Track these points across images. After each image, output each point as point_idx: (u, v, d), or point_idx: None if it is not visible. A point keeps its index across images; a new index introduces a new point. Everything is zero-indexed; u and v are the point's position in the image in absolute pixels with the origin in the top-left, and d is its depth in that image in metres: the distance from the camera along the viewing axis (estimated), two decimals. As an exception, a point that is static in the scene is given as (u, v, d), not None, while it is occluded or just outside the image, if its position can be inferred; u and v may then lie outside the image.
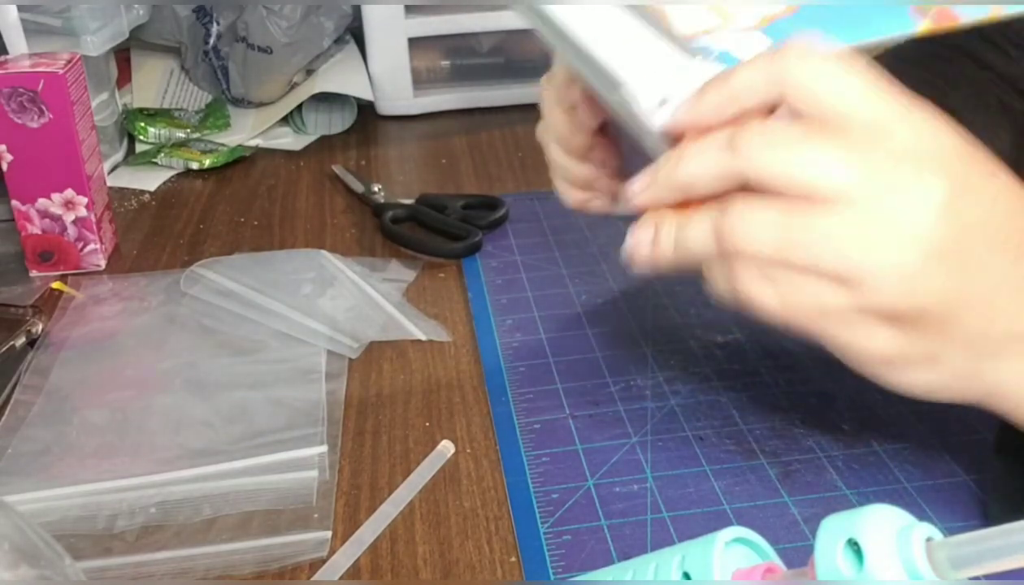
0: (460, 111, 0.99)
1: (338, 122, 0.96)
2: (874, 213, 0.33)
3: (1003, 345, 0.35)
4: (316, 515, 0.45)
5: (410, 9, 0.94)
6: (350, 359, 0.57)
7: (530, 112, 0.54)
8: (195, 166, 0.86)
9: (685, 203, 0.37)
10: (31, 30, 0.74)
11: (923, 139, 0.34)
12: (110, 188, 0.76)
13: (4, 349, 0.57)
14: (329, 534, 0.44)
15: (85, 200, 0.67)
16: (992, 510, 0.43)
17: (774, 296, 0.35)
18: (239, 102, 0.99)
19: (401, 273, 0.67)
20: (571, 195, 0.53)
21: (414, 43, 0.96)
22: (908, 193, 0.33)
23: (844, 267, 0.33)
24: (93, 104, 0.73)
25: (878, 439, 0.48)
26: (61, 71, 0.63)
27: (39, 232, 0.67)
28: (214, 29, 0.96)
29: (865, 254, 0.33)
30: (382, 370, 0.57)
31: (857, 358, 0.36)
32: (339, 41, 1.00)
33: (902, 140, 0.33)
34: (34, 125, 0.64)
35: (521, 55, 0.98)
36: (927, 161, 0.33)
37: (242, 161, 0.89)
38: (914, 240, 0.33)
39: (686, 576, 0.30)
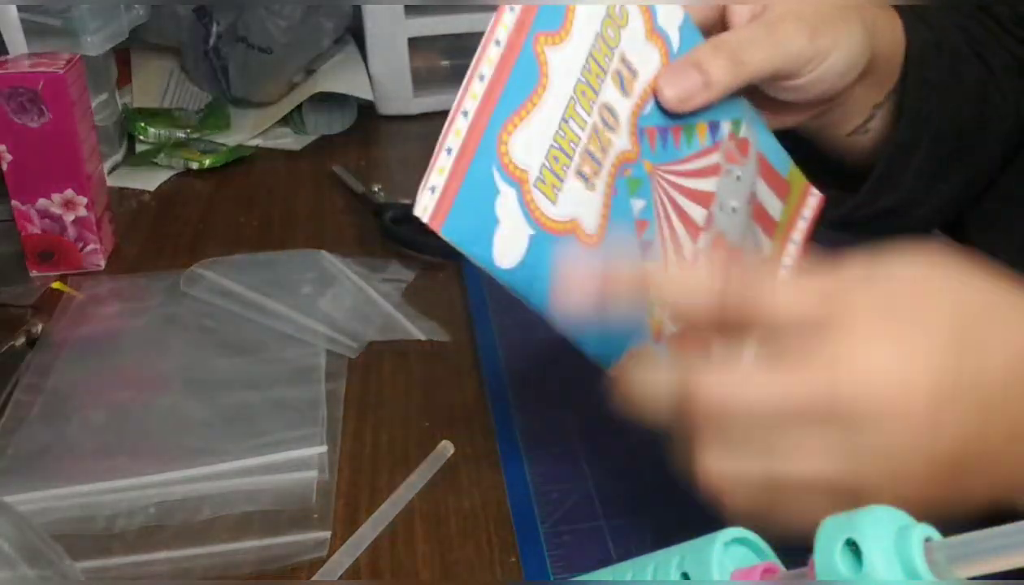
0: (460, 111, 0.99)
1: (338, 122, 0.96)
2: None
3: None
4: (316, 515, 0.45)
5: (410, 9, 0.95)
6: (350, 359, 0.57)
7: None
8: (195, 166, 0.87)
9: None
10: (31, 30, 0.74)
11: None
12: (110, 188, 0.77)
13: (4, 349, 0.57)
14: (329, 534, 0.44)
15: (85, 200, 0.67)
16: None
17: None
18: (239, 102, 0.99)
19: (401, 273, 0.67)
20: None
21: (414, 43, 0.96)
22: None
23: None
24: (93, 104, 0.73)
25: (878, 439, 0.48)
26: (61, 71, 0.63)
27: (39, 232, 0.67)
28: (214, 29, 0.96)
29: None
30: (382, 370, 0.57)
31: None
32: (339, 41, 1.00)
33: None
34: (34, 125, 0.64)
35: (521, 55, 0.98)
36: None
37: (242, 161, 0.89)
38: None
39: (685, 576, 0.30)
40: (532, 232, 0.37)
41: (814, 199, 0.51)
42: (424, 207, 0.37)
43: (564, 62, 0.38)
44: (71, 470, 0.48)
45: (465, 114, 0.37)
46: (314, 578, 0.42)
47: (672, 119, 0.43)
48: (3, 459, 0.49)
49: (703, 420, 0.34)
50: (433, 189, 0.37)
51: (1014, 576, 0.25)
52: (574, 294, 0.36)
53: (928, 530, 0.26)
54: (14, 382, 0.55)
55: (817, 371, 0.31)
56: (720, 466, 0.34)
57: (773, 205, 0.49)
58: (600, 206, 0.40)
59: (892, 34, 0.49)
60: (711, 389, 0.33)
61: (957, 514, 0.30)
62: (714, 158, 0.45)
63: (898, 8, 0.51)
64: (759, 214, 0.48)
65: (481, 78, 0.37)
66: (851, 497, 0.30)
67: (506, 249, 0.36)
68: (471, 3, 0.94)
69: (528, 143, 0.37)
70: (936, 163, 0.53)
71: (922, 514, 0.26)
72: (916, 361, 0.31)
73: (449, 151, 0.37)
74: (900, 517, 0.26)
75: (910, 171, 0.52)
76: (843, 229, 0.55)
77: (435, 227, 0.37)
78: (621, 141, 0.41)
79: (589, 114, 0.39)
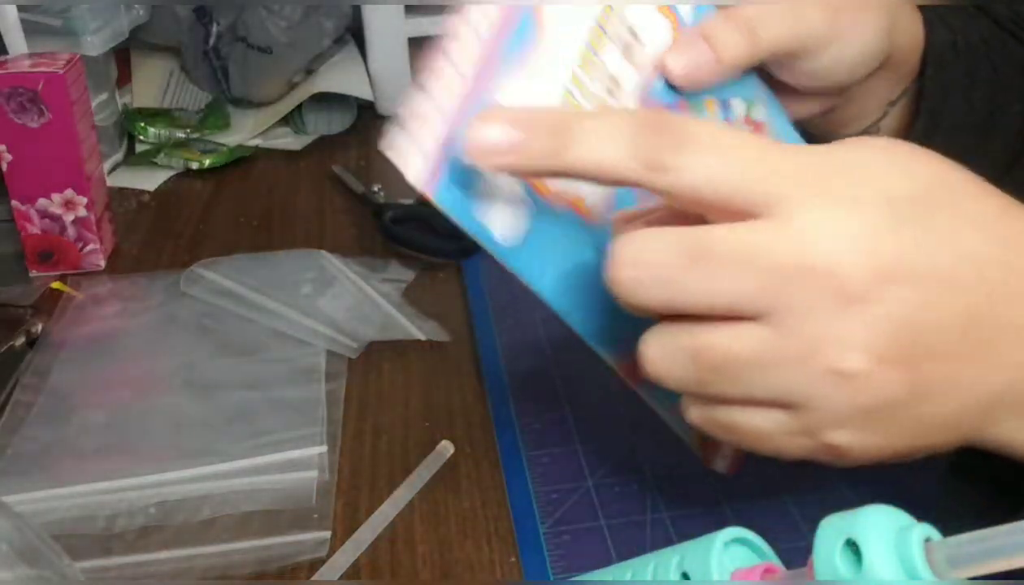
0: (460, 111, 0.99)
1: (338, 122, 0.96)
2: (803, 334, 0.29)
3: (991, 411, 0.31)
4: (316, 515, 0.45)
5: (410, 9, 0.95)
6: (350, 359, 0.57)
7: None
8: (195, 166, 0.87)
9: None
10: (31, 30, 0.74)
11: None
12: (110, 188, 0.76)
13: (4, 349, 0.57)
14: (329, 534, 0.44)
15: (85, 200, 0.67)
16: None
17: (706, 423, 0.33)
18: (239, 102, 0.99)
19: (401, 273, 0.67)
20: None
21: (414, 43, 0.96)
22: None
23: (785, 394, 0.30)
24: (93, 104, 0.73)
25: (878, 439, 0.48)
26: (61, 71, 0.63)
27: (39, 232, 0.67)
28: (214, 29, 0.96)
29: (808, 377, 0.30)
30: (382, 370, 0.57)
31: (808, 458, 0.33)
32: (339, 41, 1.00)
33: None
34: (34, 125, 0.64)
35: (521, 55, 0.98)
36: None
37: (242, 161, 0.89)
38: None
39: (685, 576, 0.30)
40: (532, 204, 0.36)
41: None
42: (416, 173, 0.33)
43: (566, 25, 0.36)
44: (71, 470, 0.48)
45: (460, 73, 0.34)
46: (314, 578, 0.42)
47: (680, 95, 0.40)
48: (3, 459, 0.49)
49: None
50: (425, 154, 0.33)
51: (1014, 576, 0.25)
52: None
53: (928, 530, 0.26)
54: (14, 382, 0.55)
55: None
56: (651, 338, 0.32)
57: None
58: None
59: (913, 28, 0.48)
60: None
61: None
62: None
63: (920, 7, 0.50)
64: None
65: (478, 35, 0.34)
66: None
67: (505, 223, 0.35)
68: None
69: None
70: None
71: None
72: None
73: (440, 111, 0.34)
74: (900, 517, 0.26)
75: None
76: None
77: (428, 193, 0.34)
78: None
79: (592, 83, 0.37)
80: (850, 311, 0.29)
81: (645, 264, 0.30)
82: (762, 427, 0.32)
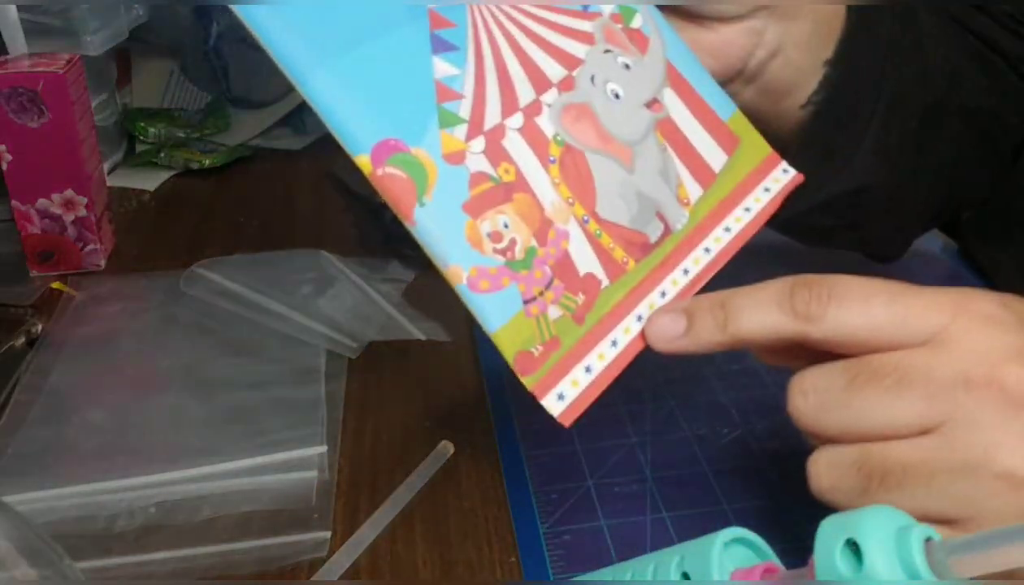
0: (460, 111, 0.99)
1: (338, 122, 0.96)
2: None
3: None
4: (316, 515, 0.45)
5: (410, 9, 0.94)
6: (350, 359, 0.57)
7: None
8: (195, 166, 0.87)
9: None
10: (31, 30, 0.73)
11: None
12: (110, 188, 0.76)
13: (4, 349, 0.57)
14: (329, 534, 0.44)
15: (85, 200, 0.67)
16: None
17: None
18: (239, 102, 0.99)
19: (401, 273, 0.67)
20: None
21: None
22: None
23: None
24: (93, 104, 0.73)
25: (878, 439, 0.48)
26: (61, 71, 0.63)
27: (39, 232, 0.67)
28: (214, 29, 0.96)
29: None
30: (382, 370, 0.57)
31: None
32: (339, 41, 1.00)
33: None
34: (34, 125, 0.64)
35: (521, 55, 0.98)
36: None
37: (242, 161, 0.89)
38: None
39: (685, 576, 0.30)
40: None
41: (786, 175, 0.45)
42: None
43: None
44: (71, 470, 0.48)
45: None
46: (314, 578, 0.42)
47: None
48: (3, 459, 0.49)
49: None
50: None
51: (1015, 576, 0.25)
52: None
53: (928, 530, 0.26)
54: (14, 382, 0.55)
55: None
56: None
57: (709, 150, 0.43)
58: None
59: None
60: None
61: None
62: (585, 25, 0.41)
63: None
64: (683, 149, 0.42)
65: None
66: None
67: None
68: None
69: None
70: (896, 141, 0.51)
71: None
72: None
73: None
74: (900, 517, 0.26)
75: (863, 148, 0.50)
76: (788, 231, 0.55)
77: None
78: None
79: None
80: (1018, 417, 0.31)
81: (822, 390, 0.34)
82: None
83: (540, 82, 0.39)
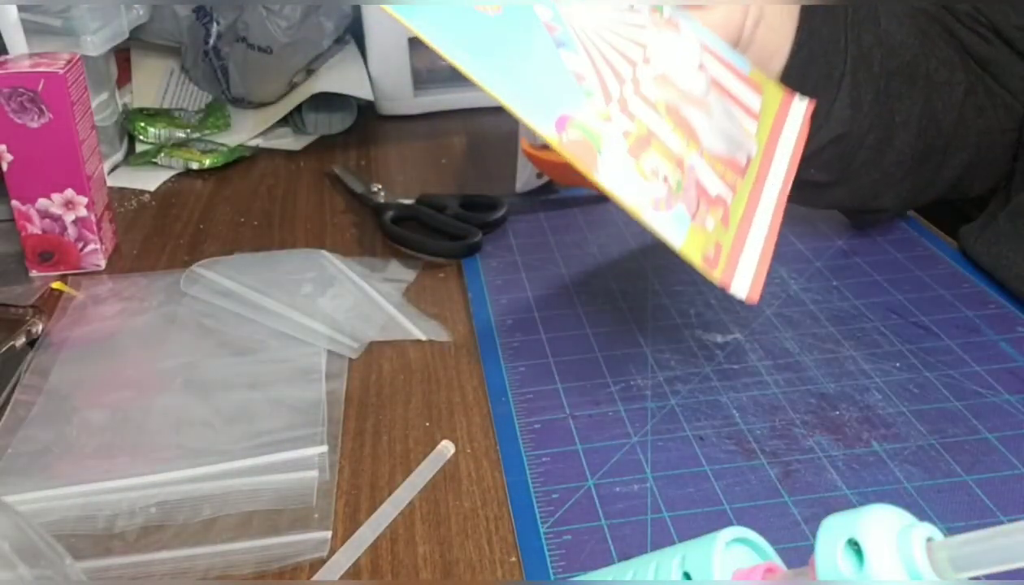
0: (460, 111, 0.99)
1: (338, 122, 0.96)
2: None
3: None
4: (316, 515, 0.45)
5: (410, 9, 0.94)
6: (350, 359, 0.57)
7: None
8: (195, 166, 0.87)
9: None
10: (31, 30, 0.74)
11: None
12: (110, 188, 0.77)
13: (4, 349, 0.57)
14: (329, 534, 0.44)
15: (85, 200, 0.67)
16: None
17: None
18: (239, 102, 0.99)
19: (401, 273, 0.67)
20: None
21: (414, 43, 0.96)
22: None
23: None
24: (93, 104, 0.73)
25: (878, 439, 0.48)
26: (61, 71, 0.63)
27: (39, 232, 0.67)
28: (214, 29, 0.96)
29: None
30: (382, 370, 0.57)
31: None
32: (339, 41, 1.00)
33: None
34: (34, 125, 0.64)
35: (521, 55, 0.98)
36: None
37: (242, 161, 0.89)
38: None
39: (686, 576, 0.30)
40: None
41: (800, 105, 0.54)
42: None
43: None
44: (71, 470, 0.48)
45: None
46: (314, 578, 0.42)
47: None
48: (3, 459, 0.49)
49: None
50: None
51: (1016, 575, 0.25)
52: None
53: (930, 530, 0.26)
54: (14, 382, 0.55)
55: None
56: None
57: (747, 96, 0.53)
58: None
59: None
60: None
61: None
62: (639, 19, 0.49)
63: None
64: (732, 97, 0.52)
65: None
66: None
67: None
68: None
69: None
70: (869, 97, 0.58)
71: None
72: None
73: None
74: (902, 517, 0.26)
75: (839, 102, 0.58)
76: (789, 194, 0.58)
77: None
78: None
79: None
80: None
81: None
82: None
83: (627, 60, 0.47)
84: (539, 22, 0.45)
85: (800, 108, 0.55)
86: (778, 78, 0.58)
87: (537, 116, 0.42)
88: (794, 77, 0.58)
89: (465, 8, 0.44)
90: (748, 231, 0.48)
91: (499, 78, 0.42)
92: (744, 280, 0.46)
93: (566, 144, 0.42)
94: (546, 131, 0.41)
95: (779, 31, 0.57)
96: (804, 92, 0.57)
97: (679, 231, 0.44)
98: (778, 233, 0.48)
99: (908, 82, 0.60)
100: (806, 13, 0.57)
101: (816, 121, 0.58)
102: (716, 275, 0.44)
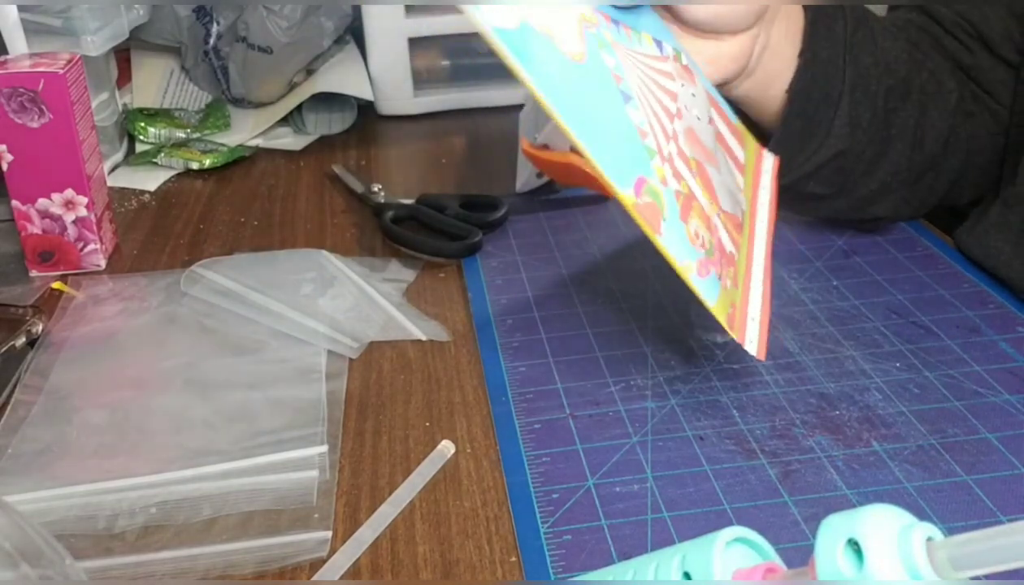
0: (460, 111, 0.99)
1: (338, 122, 0.96)
2: None
3: None
4: (316, 515, 0.45)
5: (410, 9, 0.94)
6: (350, 359, 0.57)
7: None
8: (195, 166, 0.87)
9: None
10: (31, 30, 0.74)
11: None
12: (110, 188, 0.77)
13: (4, 349, 0.57)
14: (329, 534, 0.44)
15: (85, 200, 0.67)
16: None
17: None
18: (239, 102, 0.99)
19: (401, 273, 0.67)
20: None
21: (414, 43, 0.96)
22: None
23: None
24: (93, 104, 0.73)
25: (878, 439, 0.48)
26: (61, 71, 0.63)
27: (39, 232, 0.67)
28: (214, 29, 0.96)
29: None
30: (382, 370, 0.57)
31: None
32: (339, 41, 1.00)
33: None
34: (34, 125, 0.64)
35: (521, 55, 0.98)
36: None
37: (242, 161, 0.89)
38: None
39: (686, 576, 0.30)
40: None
41: (770, 160, 0.56)
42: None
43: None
44: (71, 470, 0.48)
45: None
46: (314, 578, 0.42)
47: (621, 14, 0.47)
48: (3, 459, 0.49)
49: None
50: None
51: (1016, 575, 0.25)
52: None
53: (930, 529, 0.26)
54: (14, 382, 0.55)
55: None
56: None
57: (735, 146, 0.54)
58: (577, 33, 0.43)
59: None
60: None
61: None
62: (668, 66, 0.49)
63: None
64: (725, 147, 0.52)
65: None
66: None
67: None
68: (471, 3, 0.94)
69: None
70: (867, 115, 0.60)
71: None
72: None
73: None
74: (902, 516, 0.26)
75: (838, 120, 0.59)
76: (785, 202, 0.60)
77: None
78: (581, 7, 0.45)
79: None
80: None
81: None
82: None
83: (668, 114, 0.47)
84: (609, 72, 0.44)
85: (770, 163, 0.56)
86: (774, 102, 0.59)
87: (619, 176, 0.42)
88: (796, 99, 0.59)
89: (562, 58, 0.42)
90: (749, 289, 0.50)
91: (587, 132, 0.41)
92: (753, 336, 0.48)
93: (640, 206, 0.42)
94: (626, 192, 0.42)
95: (781, 56, 0.58)
96: (806, 112, 0.59)
97: (714, 292, 0.46)
98: (771, 290, 0.51)
99: (903, 97, 0.62)
100: (806, 36, 0.58)
101: (817, 139, 0.60)
102: (735, 334, 0.47)
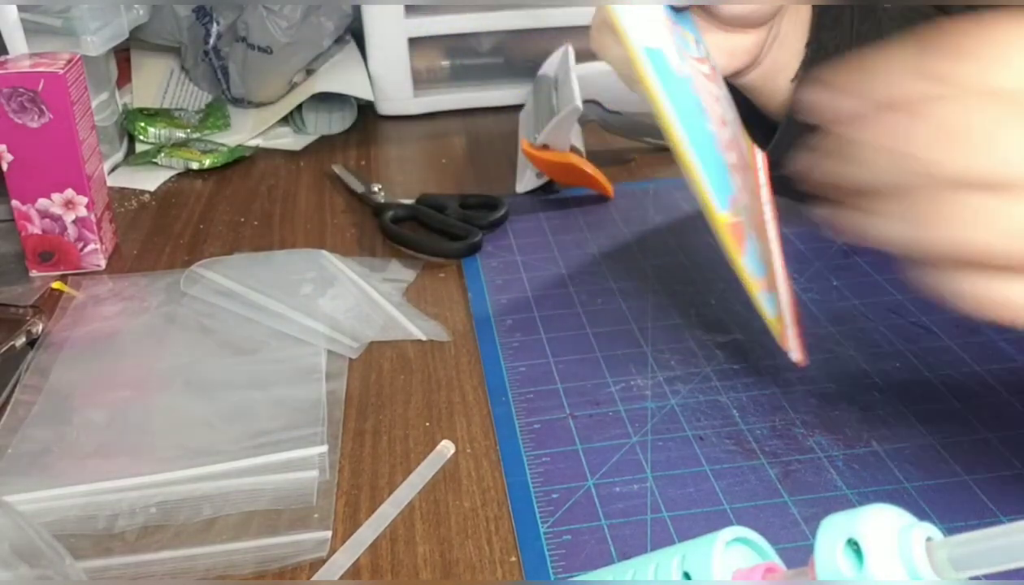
0: (460, 111, 0.99)
1: (338, 122, 0.96)
2: None
3: None
4: (316, 515, 0.45)
5: (410, 9, 0.94)
6: (350, 359, 0.57)
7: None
8: (195, 166, 0.87)
9: None
10: (31, 30, 0.74)
11: None
12: (110, 188, 0.76)
13: (4, 349, 0.57)
14: (329, 534, 0.44)
15: (85, 200, 0.67)
16: None
17: None
18: (239, 102, 0.99)
19: (401, 273, 0.67)
20: None
21: (414, 43, 0.96)
22: None
23: None
24: (93, 104, 0.73)
25: (878, 439, 0.48)
26: (61, 71, 0.63)
27: (39, 232, 0.67)
28: (214, 29, 0.96)
29: None
30: (382, 370, 0.57)
31: None
32: (339, 41, 1.00)
33: None
34: (34, 125, 0.64)
35: (521, 55, 0.98)
36: None
37: (242, 161, 0.89)
38: None
39: (686, 576, 0.30)
40: None
41: (760, 154, 0.55)
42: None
43: None
44: (71, 470, 0.48)
45: None
46: (314, 578, 0.42)
47: (673, 15, 0.47)
48: (3, 459, 0.49)
49: None
50: None
51: (1016, 575, 0.25)
52: None
53: (929, 529, 0.26)
54: (14, 382, 0.55)
55: None
56: None
57: (745, 144, 0.53)
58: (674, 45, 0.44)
59: None
60: None
61: None
62: (707, 68, 0.49)
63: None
64: (739, 148, 0.52)
65: None
66: None
67: None
68: (471, 3, 0.94)
69: None
70: None
71: None
72: None
73: None
74: (902, 516, 0.26)
75: None
76: (785, 192, 0.59)
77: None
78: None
79: None
80: None
81: None
82: None
83: (722, 123, 0.48)
84: (692, 84, 0.44)
85: (760, 158, 0.56)
86: (780, 91, 0.59)
87: (719, 195, 0.42)
88: (799, 89, 0.58)
89: (674, 76, 0.42)
90: (779, 293, 0.50)
91: (694, 151, 0.41)
92: (793, 343, 0.49)
93: (732, 224, 0.42)
94: (722, 210, 0.42)
95: (789, 48, 0.58)
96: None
97: (773, 307, 0.48)
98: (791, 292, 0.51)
99: None
100: (813, 26, 0.58)
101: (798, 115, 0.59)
102: (784, 341, 0.49)
